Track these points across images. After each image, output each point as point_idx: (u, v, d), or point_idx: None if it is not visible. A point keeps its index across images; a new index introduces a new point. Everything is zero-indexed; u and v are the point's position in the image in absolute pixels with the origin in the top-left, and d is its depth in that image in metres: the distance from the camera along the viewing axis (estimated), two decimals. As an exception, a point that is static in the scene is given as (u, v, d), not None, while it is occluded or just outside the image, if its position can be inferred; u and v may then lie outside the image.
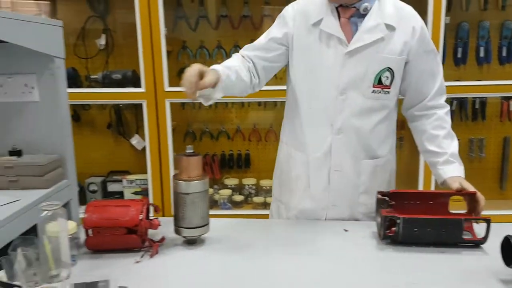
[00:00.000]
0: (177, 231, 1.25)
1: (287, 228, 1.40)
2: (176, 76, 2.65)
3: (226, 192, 2.70)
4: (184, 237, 1.26)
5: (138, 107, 2.53)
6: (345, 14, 1.36)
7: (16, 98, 1.37)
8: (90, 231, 1.17)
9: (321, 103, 1.39)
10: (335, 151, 1.41)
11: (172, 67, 2.61)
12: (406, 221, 1.20)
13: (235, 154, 2.80)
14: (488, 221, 1.22)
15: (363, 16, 1.35)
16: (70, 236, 1.10)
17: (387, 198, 1.30)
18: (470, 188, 1.32)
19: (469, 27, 2.51)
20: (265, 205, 2.67)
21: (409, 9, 1.40)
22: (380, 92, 1.37)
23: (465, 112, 2.64)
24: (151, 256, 1.19)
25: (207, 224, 1.26)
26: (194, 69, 1.18)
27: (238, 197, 2.70)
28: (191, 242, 1.27)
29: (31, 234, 1.09)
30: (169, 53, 2.48)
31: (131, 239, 1.19)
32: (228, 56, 2.61)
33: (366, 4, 1.34)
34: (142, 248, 1.22)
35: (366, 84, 1.36)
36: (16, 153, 1.35)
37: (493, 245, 1.10)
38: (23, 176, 1.30)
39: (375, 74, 1.35)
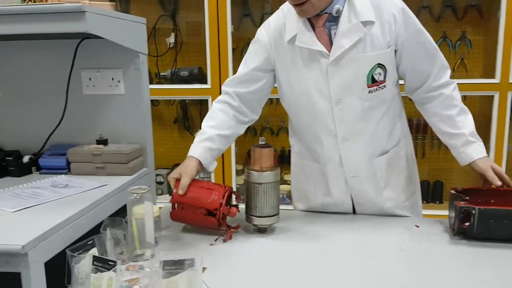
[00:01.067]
0: (248, 219, 1.31)
1: (353, 222, 1.42)
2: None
3: (285, 188, 2.73)
4: (255, 225, 1.31)
5: (204, 102, 2.63)
6: (318, 23, 1.28)
7: (103, 91, 1.48)
8: (176, 206, 1.29)
9: (319, 118, 1.36)
10: (345, 159, 1.39)
11: (237, 63, 2.67)
12: (481, 212, 1.18)
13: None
14: None
15: (335, 19, 1.27)
16: (154, 218, 1.18)
17: (461, 194, 1.29)
18: (499, 170, 1.32)
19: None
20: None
21: None
22: (376, 90, 1.32)
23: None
24: (224, 241, 1.26)
25: (277, 214, 1.31)
26: (171, 181, 1.30)
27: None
28: (262, 231, 1.32)
29: (118, 216, 1.18)
30: (233, 50, 2.55)
31: (209, 221, 1.27)
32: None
33: (337, 5, 1.26)
34: (219, 230, 1.30)
35: (359, 87, 1.30)
36: (103, 142, 1.46)
37: None
38: (109, 163, 1.41)
39: (366, 75, 1.29)
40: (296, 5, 1.23)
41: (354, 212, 1.49)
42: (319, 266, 1.11)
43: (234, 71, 2.48)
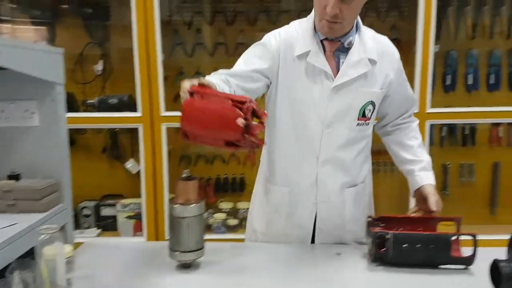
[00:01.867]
0: (172, 255, 1.27)
1: (280, 252, 1.42)
2: (173, 101, 2.70)
3: (220, 216, 2.71)
4: (179, 261, 1.27)
5: (134, 131, 2.56)
6: (330, 47, 1.36)
7: (16, 123, 1.39)
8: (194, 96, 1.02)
9: (307, 137, 1.40)
10: (321, 182, 1.43)
11: (169, 92, 2.65)
12: (395, 237, 1.23)
13: (230, 178, 2.82)
14: (474, 236, 1.25)
15: (346, 50, 1.36)
16: (66, 259, 1.11)
17: (377, 221, 1.34)
18: (440, 201, 1.43)
19: (457, 55, 2.59)
20: (259, 229, 2.67)
21: (387, 41, 1.45)
22: (363, 124, 1.41)
23: (455, 137, 2.69)
24: (251, 151, 1.05)
25: (202, 248, 1.28)
26: (185, 82, 1.15)
27: (233, 221, 2.71)
28: (186, 266, 1.28)
29: (28, 256, 1.10)
30: (165, 78, 2.51)
31: (234, 115, 0.99)
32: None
33: (351, 38, 1.36)
34: (238, 142, 1.04)
35: (351, 117, 1.38)
36: (15, 177, 1.36)
37: (482, 268, 1.12)
38: (20, 200, 1.31)
39: (360, 108, 1.38)
40: (329, 22, 1.28)
41: (313, 239, 1.49)
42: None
43: (166, 99, 2.48)
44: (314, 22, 1.37)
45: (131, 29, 2.35)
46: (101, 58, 2.73)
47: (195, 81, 1.13)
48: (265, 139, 1.48)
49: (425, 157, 1.49)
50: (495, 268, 1.07)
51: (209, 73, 2.70)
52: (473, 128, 2.67)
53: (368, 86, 1.37)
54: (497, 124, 2.65)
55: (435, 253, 1.26)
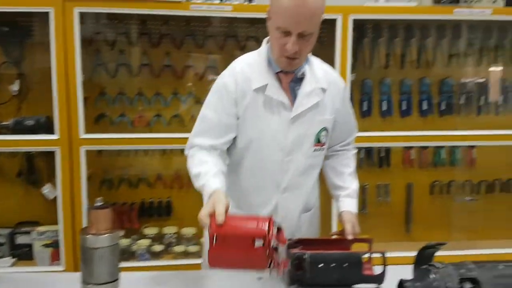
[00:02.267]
0: (84, 288, 1.21)
1: (198, 278, 1.40)
2: (93, 123, 2.61)
3: (144, 242, 2.62)
4: (92, 294, 1.22)
5: (51, 154, 2.43)
6: (286, 79, 1.43)
7: None
8: (215, 240, 1.11)
9: (268, 166, 1.46)
10: (281, 209, 1.49)
11: (90, 113, 2.56)
12: (311, 257, 1.26)
13: (156, 202, 2.75)
14: (383, 253, 1.32)
15: (299, 80, 1.44)
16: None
17: (295, 243, 1.37)
18: (357, 227, 1.49)
19: (372, 83, 2.76)
20: (187, 255, 2.62)
21: (333, 71, 1.55)
22: (319, 150, 1.50)
23: (371, 159, 2.85)
24: (279, 273, 1.18)
25: (116, 280, 1.24)
26: (204, 218, 1.18)
27: (158, 247, 2.63)
28: (99, 299, 1.23)
29: None
30: (86, 99, 2.44)
31: (258, 253, 1.11)
32: (149, 103, 2.63)
33: (303, 69, 1.43)
34: (264, 268, 1.17)
35: (308, 144, 1.46)
36: None
37: (394, 286, 1.17)
38: None
39: (315, 135, 1.46)
40: (289, 58, 1.34)
41: None
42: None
43: (87, 121, 2.39)
44: (269, 56, 1.43)
45: (50, 48, 2.26)
46: (18, 78, 2.58)
47: (217, 218, 1.14)
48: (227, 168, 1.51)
49: (353, 185, 1.58)
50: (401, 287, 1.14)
51: (133, 95, 2.67)
52: (388, 151, 2.84)
53: (321, 114, 1.46)
54: (410, 147, 2.84)
55: (348, 272, 1.31)
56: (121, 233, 2.66)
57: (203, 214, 1.18)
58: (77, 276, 1.24)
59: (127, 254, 2.60)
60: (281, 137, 1.43)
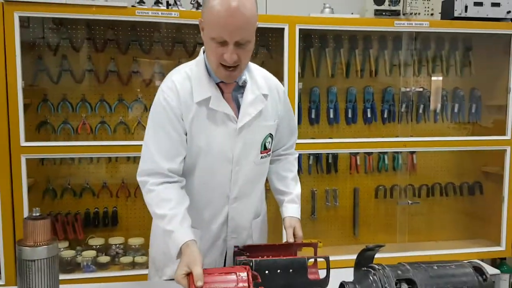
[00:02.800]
0: (21, 303, 1.16)
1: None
2: (35, 130, 2.50)
3: (90, 254, 2.53)
4: (29, 309, 1.16)
5: (-12, 164, 2.30)
6: (227, 89, 1.40)
7: None
8: None
9: (217, 178, 1.44)
10: (231, 219, 1.48)
11: (31, 120, 2.46)
12: (258, 263, 1.28)
13: (101, 212, 2.67)
14: (326, 258, 1.36)
15: (241, 88, 1.42)
16: None
17: (242, 251, 1.38)
18: (299, 231, 1.51)
19: (319, 92, 2.83)
20: (134, 265, 2.55)
21: (272, 76, 1.55)
22: (265, 157, 1.50)
23: (320, 165, 2.91)
24: None
25: (56, 293, 1.19)
26: (182, 280, 1.19)
27: (104, 258, 2.55)
28: (37, 314, 1.18)
29: None
30: (27, 105, 2.33)
31: None
32: (93, 110, 2.56)
33: (244, 77, 1.42)
34: None
35: (255, 152, 1.46)
36: None
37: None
38: None
39: (261, 142, 1.46)
40: (227, 69, 1.29)
41: None
42: None
43: (27, 129, 2.28)
44: (206, 66, 1.39)
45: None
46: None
47: (197, 283, 1.14)
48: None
49: (295, 190, 1.60)
50: None
51: (77, 101, 2.57)
52: (335, 157, 2.92)
53: (265, 120, 1.46)
54: (355, 153, 2.93)
55: (294, 277, 1.33)
56: (65, 244, 2.56)
57: (180, 276, 1.19)
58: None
59: (72, 265, 2.50)
60: (228, 148, 1.41)
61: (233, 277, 1.17)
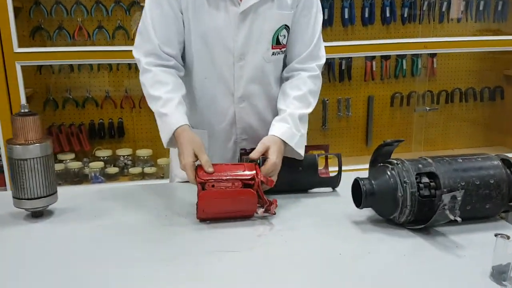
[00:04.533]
0: (18, 204, 1.10)
1: (141, 192, 1.31)
2: (29, 36, 2.35)
3: (97, 165, 2.51)
4: (27, 209, 1.11)
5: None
6: None
7: None
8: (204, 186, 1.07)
9: (219, 73, 1.28)
10: (240, 120, 1.34)
11: (24, 26, 2.30)
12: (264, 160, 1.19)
13: (106, 123, 2.60)
14: (338, 156, 1.27)
15: None
16: None
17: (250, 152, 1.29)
18: (272, 156, 1.15)
19: (334, -10, 2.59)
20: (143, 176, 2.54)
21: None
22: (278, 53, 1.31)
23: (332, 73, 2.76)
24: (270, 212, 1.11)
25: (54, 193, 1.13)
26: (189, 168, 1.10)
27: (112, 169, 2.53)
28: (37, 215, 1.13)
29: None
30: (18, 9, 2.17)
31: (248, 194, 1.07)
32: (89, 13, 2.38)
33: None
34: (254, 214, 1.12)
35: (264, 46, 1.27)
36: None
37: (348, 190, 1.11)
38: None
39: (273, 34, 1.27)
40: None
41: None
42: (99, 249, 0.98)
43: (20, 34, 2.13)
44: None
45: None
46: None
47: (207, 169, 1.08)
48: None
49: (293, 109, 1.25)
50: (356, 186, 1.08)
51: (71, 4, 2.39)
52: (349, 63, 2.75)
53: (279, 7, 1.25)
54: (371, 58, 2.75)
55: (303, 176, 1.25)
56: (71, 156, 2.53)
57: (189, 163, 1.09)
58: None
59: (80, 177, 2.49)
60: (229, 36, 1.25)
61: (241, 167, 1.12)
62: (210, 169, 1.08)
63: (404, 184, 1.01)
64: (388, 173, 1.05)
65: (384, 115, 2.92)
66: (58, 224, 1.09)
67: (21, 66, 2.12)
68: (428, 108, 2.84)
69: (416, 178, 1.02)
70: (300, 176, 1.25)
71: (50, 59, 2.22)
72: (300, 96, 1.28)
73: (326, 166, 1.36)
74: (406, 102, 2.90)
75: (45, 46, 2.35)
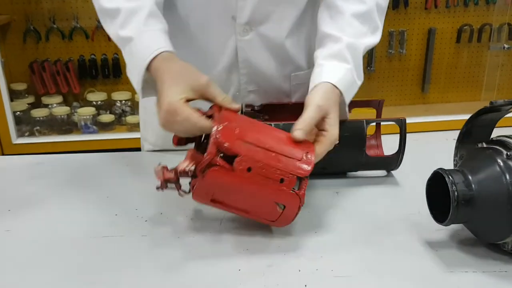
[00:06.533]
0: None
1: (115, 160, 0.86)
2: None
3: (88, 111, 2.08)
4: None
5: None
6: None
7: None
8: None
9: None
10: (244, 62, 0.86)
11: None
12: (284, 128, 0.71)
13: (99, 60, 2.14)
14: (400, 122, 0.77)
15: None
16: None
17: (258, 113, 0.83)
18: (333, 129, 0.67)
19: None
20: (145, 125, 2.11)
21: None
22: None
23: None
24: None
25: None
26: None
27: (107, 117, 2.11)
28: None
29: None
30: None
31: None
32: None
33: None
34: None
35: None
36: None
37: (413, 178, 0.64)
38: None
39: None
40: None
41: None
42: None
43: None
44: None
45: None
46: None
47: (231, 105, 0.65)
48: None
49: (352, 36, 0.75)
50: (437, 180, 0.59)
51: None
52: (407, -16, 2.15)
53: None
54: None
55: (343, 154, 0.75)
56: (58, 99, 2.12)
57: (190, 115, 0.61)
58: None
59: (69, 125, 2.09)
60: None
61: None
62: (235, 105, 0.65)
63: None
64: (501, 164, 0.56)
65: (448, 53, 2.37)
66: None
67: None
68: (506, 46, 2.29)
69: None
70: (338, 153, 0.73)
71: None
72: (363, 13, 0.76)
73: (378, 135, 0.85)
74: (477, 38, 2.33)
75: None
